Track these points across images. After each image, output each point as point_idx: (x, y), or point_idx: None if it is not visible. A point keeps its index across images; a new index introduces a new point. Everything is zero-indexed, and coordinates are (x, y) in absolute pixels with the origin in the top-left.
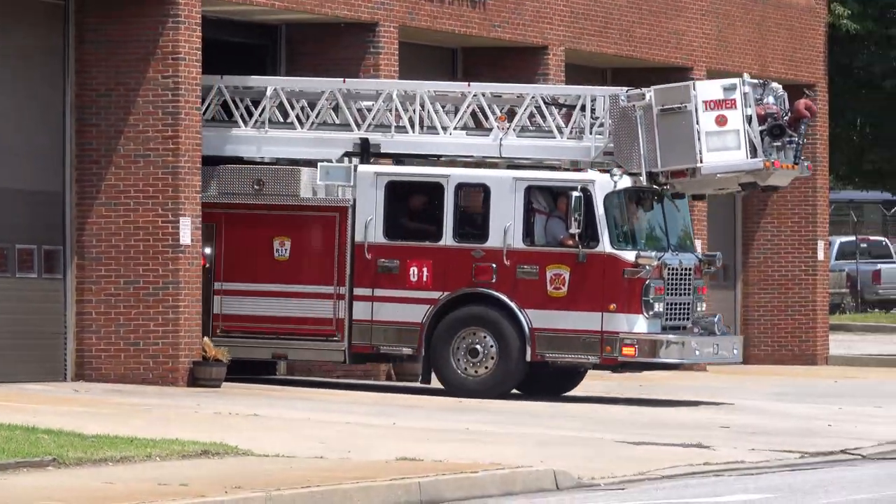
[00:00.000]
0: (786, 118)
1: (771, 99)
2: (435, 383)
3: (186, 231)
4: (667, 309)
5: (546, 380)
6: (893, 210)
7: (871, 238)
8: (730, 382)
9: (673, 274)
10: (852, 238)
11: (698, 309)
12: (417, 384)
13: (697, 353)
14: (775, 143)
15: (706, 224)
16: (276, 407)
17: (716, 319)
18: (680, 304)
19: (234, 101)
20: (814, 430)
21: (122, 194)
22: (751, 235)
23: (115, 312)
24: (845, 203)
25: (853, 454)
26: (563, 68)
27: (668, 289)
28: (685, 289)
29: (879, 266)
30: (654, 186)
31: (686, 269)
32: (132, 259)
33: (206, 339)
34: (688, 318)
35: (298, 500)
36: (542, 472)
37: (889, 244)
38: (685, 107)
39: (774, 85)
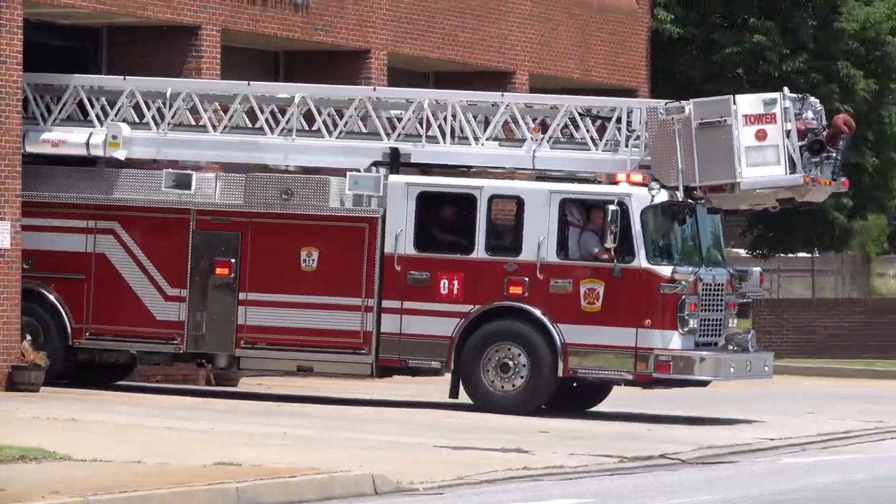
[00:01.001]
0: (824, 133)
1: (810, 114)
2: (463, 397)
3: (6, 235)
4: (700, 325)
5: (571, 394)
6: None
7: None
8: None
9: (707, 289)
10: None
11: (730, 325)
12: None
13: (732, 369)
14: (814, 159)
15: None
16: (96, 412)
17: (749, 336)
18: (713, 320)
19: (259, 109)
20: (634, 434)
21: None
22: None
23: None
24: None
25: (672, 459)
26: (385, 72)
27: (702, 305)
28: (718, 304)
29: None
30: (690, 201)
31: (719, 285)
32: None
33: (24, 343)
34: (720, 335)
35: None
36: (360, 476)
37: None
38: (725, 121)
39: (813, 99)
